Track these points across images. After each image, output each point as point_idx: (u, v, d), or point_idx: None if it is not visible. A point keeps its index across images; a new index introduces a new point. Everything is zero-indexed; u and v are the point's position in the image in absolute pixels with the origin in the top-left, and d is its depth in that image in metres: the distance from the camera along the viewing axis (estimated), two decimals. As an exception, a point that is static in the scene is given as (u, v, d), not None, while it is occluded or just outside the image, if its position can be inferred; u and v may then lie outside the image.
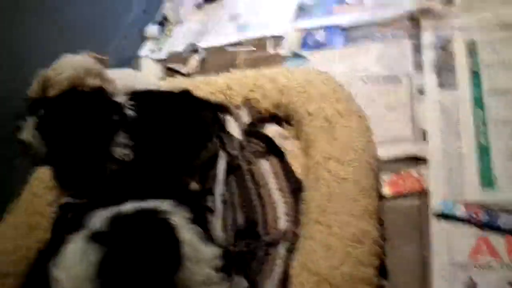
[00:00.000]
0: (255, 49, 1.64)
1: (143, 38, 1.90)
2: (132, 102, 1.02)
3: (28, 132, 0.98)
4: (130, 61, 1.78)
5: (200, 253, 0.80)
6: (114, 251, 0.73)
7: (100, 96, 1.02)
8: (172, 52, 1.78)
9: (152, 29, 1.92)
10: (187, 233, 0.80)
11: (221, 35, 1.78)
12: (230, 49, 1.68)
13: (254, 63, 1.55)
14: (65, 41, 1.52)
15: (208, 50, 1.71)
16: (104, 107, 1.00)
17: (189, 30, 1.89)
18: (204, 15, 1.95)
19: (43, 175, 1.32)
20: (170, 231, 0.78)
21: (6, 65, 1.31)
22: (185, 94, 1.14)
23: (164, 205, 0.82)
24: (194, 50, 1.71)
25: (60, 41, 1.50)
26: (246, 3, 1.90)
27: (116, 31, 1.79)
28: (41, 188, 1.29)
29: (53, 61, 1.36)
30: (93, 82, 1.07)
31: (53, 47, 1.41)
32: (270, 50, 1.60)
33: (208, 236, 0.88)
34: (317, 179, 0.97)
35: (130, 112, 1.01)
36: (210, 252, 0.82)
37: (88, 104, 1.00)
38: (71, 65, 1.07)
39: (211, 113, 1.18)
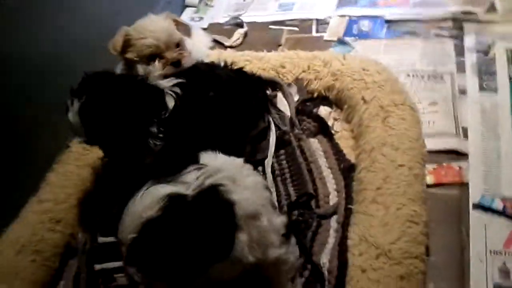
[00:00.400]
0: (298, 30, 1.69)
1: (184, 6, 1.93)
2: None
3: (72, 115, 1.01)
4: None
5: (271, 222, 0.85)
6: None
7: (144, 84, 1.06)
8: (213, 22, 1.82)
9: (192, -3, 1.95)
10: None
11: (261, 10, 1.83)
12: (273, 27, 1.73)
13: (297, 44, 1.62)
14: (113, 3, 1.55)
15: (251, 25, 1.76)
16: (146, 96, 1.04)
17: (230, 2, 1.92)
18: (245, -11, 1.99)
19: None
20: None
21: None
22: (240, 72, 1.21)
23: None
24: (237, 24, 1.76)
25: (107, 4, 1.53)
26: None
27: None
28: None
29: (102, 25, 1.43)
30: (172, 56, 1.11)
31: (99, 10, 1.48)
32: (314, 33, 1.66)
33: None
34: (372, 162, 1.06)
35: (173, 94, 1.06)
36: (279, 220, 0.87)
37: (130, 93, 1.03)
38: (155, 31, 1.12)
39: (263, 91, 1.24)
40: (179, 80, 1.09)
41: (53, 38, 1.30)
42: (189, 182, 0.78)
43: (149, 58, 1.15)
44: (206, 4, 1.95)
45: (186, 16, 1.89)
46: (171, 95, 1.06)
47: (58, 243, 1.15)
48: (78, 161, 1.29)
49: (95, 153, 1.30)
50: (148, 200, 0.77)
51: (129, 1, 1.66)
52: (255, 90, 1.27)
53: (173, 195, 0.76)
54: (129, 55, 1.15)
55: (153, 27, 1.13)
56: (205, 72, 1.19)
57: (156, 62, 1.13)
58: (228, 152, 0.92)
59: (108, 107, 1.01)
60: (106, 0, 1.53)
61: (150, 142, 1.03)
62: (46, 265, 1.11)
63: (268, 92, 1.35)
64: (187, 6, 1.94)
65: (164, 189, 0.77)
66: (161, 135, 1.03)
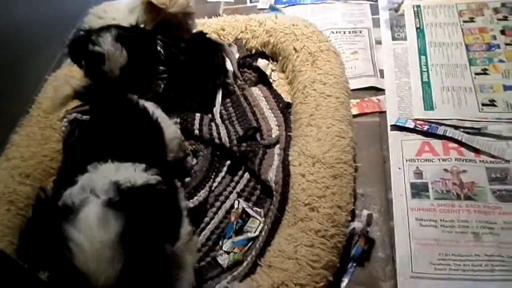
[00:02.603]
0: (233, 1, 1.87)
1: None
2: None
3: (107, 44, 1.13)
4: None
5: None
6: (132, 219, 0.73)
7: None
8: None
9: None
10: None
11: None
12: (210, 0, 1.89)
13: (234, 14, 1.77)
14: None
15: (190, 0, 1.90)
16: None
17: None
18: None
19: (50, 94, 1.48)
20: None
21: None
22: (202, 35, 1.38)
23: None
24: None
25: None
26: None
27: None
28: (49, 106, 1.44)
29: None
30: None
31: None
32: (248, 3, 1.84)
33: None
34: (305, 96, 1.24)
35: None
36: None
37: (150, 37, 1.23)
38: None
39: (221, 52, 1.41)
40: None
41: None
42: None
43: None
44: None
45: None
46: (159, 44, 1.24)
47: (29, 195, 1.24)
48: (39, 124, 1.38)
49: (54, 116, 1.41)
50: None
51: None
52: (213, 51, 1.43)
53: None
54: (173, 10, 1.31)
55: None
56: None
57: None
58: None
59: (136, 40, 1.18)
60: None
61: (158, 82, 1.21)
62: (20, 214, 1.20)
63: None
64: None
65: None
66: (164, 75, 1.21)
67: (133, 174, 0.86)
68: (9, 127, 1.39)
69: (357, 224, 1.02)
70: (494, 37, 1.48)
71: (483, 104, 1.30)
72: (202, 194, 1.16)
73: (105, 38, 1.13)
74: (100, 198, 0.76)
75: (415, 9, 1.63)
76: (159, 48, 1.27)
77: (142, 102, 1.10)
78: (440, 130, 1.22)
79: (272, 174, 1.13)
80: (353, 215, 1.06)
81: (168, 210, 0.81)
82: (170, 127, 1.15)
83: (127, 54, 1.13)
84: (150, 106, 1.11)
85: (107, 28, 1.16)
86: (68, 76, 1.51)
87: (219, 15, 1.76)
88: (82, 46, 1.16)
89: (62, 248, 0.71)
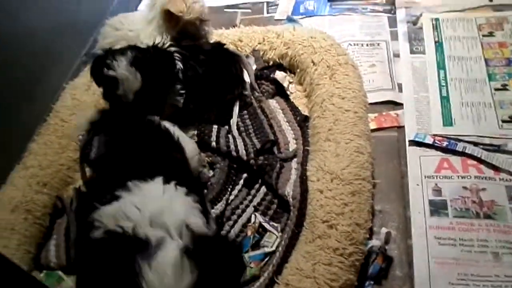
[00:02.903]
0: (251, 11, 1.87)
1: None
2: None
3: (122, 68, 1.13)
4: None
5: None
6: (204, 272, 0.73)
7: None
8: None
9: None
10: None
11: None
12: (228, 10, 1.89)
13: (251, 24, 1.77)
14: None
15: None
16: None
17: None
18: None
19: (68, 103, 1.49)
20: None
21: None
22: (220, 46, 1.39)
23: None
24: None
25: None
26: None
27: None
28: (67, 114, 1.45)
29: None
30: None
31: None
32: (265, 14, 1.84)
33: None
34: (323, 110, 1.24)
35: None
36: None
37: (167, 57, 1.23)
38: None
39: (239, 63, 1.41)
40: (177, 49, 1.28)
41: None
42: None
43: None
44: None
45: (143, 5, 2.01)
46: (178, 59, 1.25)
47: (46, 204, 1.26)
48: (57, 132, 1.39)
49: (72, 124, 1.42)
50: None
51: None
52: (231, 62, 1.43)
53: None
54: (187, 17, 1.33)
55: None
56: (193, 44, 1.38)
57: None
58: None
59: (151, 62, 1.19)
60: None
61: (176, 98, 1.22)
62: (37, 223, 1.22)
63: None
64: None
65: None
66: (182, 92, 1.23)
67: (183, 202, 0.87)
68: (27, 135, 1.40)
69: (375, 242, 1.01)
70: (514, 52, 1.47)
71: (503, 121, 1.29)
72: (219, 207, 1.16)
73: (120, 62, 1.14)
74: (176, 241, 0.77)
75: (434, 22, 1.62)
76: (177, 62, 1.26)
77: (163, 123, 1.11)
78: (459, 147, 1.21)
79: (289, 189, 1.12)
80: (371, 233, 1.05)
81: (235, 264, 0.83)
82: (189, 145, 1.16)
83: (141, 78, 1.14)
84: (170, 126, 1.11)
85: (124, 50, 1.17)
86: (86, 85, 1.51)
87: (236, 25, 1.77)
88: (99, 68, 1.17)
89: (131, 280, 0.71)
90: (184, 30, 1.39)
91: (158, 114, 1.17)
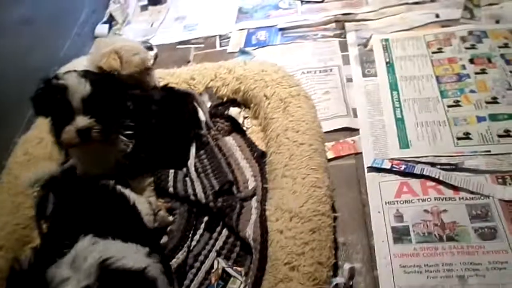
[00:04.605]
0: (203, 46, 1.86)
1: (94, 37, 2.04)
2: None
3: (71, 77, 1.10)
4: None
5: None
6: None
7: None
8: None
9: (102, 28, 2.07)
10: None
11: (169, 33, 1.98)
12: (181, 46, 1.88)
13: (204, 59, 1.78)
14: (28, 32, 1.64)
15: (160, 47, 1.90)
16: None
17: (137, 29, 2.06)
18: (149, 16, 2.14)
19: (20, 159, 1.44)
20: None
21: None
22: (170, 90, 1.37)
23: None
24: (148, 47, 1.89)
25: (26, 33, 1.62)
26: (189, 7, 2.12)
27: (71, 28, 1.92)
28: (20, 171, 1.40)
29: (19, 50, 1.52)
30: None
31: (18, 39, 1.57)
32: (218, 47, 1.84)
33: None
34: (278, 146, 1.22)
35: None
36: None
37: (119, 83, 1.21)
38: (141, 50, 1.28)
39: (192, 102, 1.39)
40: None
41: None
42: None
43: None
44: (115, 34, 2.06)
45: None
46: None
47: (2, 268, 1.20)
48: (10, 190, 1.35)
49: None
50: None
51: (40, 38, 1.74)
52: (184, 104, 1.41)
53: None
54: (126, 71, 1.28)
55: (139, 47, 1.30)
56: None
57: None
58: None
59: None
60: (18, 40, 1.61)
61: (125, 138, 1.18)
62: (-8, 290, 1.16)
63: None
64: (97, 37, 2.04)
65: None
66: (131, 133, 1.19)
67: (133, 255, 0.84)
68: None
69: (339, 280, 0.99)
70: (464, 67, 1.49)
71: (458, 138, 1.29)
72: (180, 256, 1.13)
73: (69, 74, 1.11)
74: (81, 281, 0.73)
75: (384, 43, 1.63)
76: (128, 103, 1.24)
77: (118, 187, 1.08)
78: (417, 169, 1.21)
79: (250, 231, 1.10)
80: (335, 268, 1.03)
81: None
82: (143, 205, 1.13)
83: (90, 87, 1.09)
84: (124, 190, 1.09)
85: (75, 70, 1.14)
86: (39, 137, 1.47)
87: (190, 61, 1.76)
88: (45, 91, 1.13)
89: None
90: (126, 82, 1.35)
91: (105, 139, 1.13)
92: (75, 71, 1.15)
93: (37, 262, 1.15)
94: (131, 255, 0.85)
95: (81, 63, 1.51)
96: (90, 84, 1.10)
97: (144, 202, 1.15)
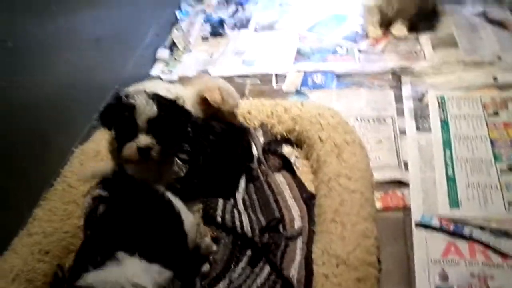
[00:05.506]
0: (260, 82, 1.91)
1: (155, 60, 2.13)
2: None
3: (140, 98, 1.17)
4: (144, 78, 2.01)
5: None
6: None
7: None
8: (183, 75, 2.01)
9: (163, 52, 2.15)
10: None
11: (227, 66, 2.04)
12: (238, 80, 1.94)
13: (259, 95, 1.82)
14: (97, 50, 1.73)
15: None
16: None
17: (197, 58, 2.13)
18: (210, 47, 2.22)
19: (75, 168, 1.50)
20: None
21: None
22: (229, 123, 1.43)
23: None
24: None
25: (95, 50, 1.71)
26: (249, 42, 2.19)
27: (135, 49, 2.01)
28: (74, 180, 1.46)
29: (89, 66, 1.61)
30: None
31: (88, 55, 1.65)
32: (274, 85, 1.88)
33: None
34: (329, 190, 1.24)
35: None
36: None
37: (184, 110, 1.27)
38: (234, 92, 1.42)
39: (247, 137, 1.45)
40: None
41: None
42: None
43: None
44: (175, 59, 2.14)
45: (157, 69, 2.08)
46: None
47: (47, 273, 1.25)
48: (63, 198, 1.40)
49: (79, 190, 1.43)
50: None
51: (107, 55, 1.82)
52: (240, 138, 1.46)
53: None
54: (226, 107, 1.39)
55: (232, 88, 1.44)
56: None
57: None
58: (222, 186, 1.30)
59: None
60: (89, 55, 1.70)
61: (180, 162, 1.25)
62: (37, 293, 1.20)
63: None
64: (158, 60, 2.13)
65: None
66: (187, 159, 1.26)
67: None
68: (34, 200, 1.40)
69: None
70: (520, 133, 1.48)
71: (510, 204, 1.28)
72: (221, 286, 1.14)
73: (139, 94, 1.18)
74: None
75: (440, 100, 1.65)
76: (189, 129, 1.29)
77: (167, 194, 1.11)
78: (466, 231, 1.20)
79: (294, 271, 1.11)
80: (377, 320, 1.03)
81: None
82: (189, 218, 1.16)
83: (157, 109, 1.16)
84: (173, 197, 1.13)
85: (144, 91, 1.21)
86: (96, 150, 1.53)
87: (245, 95, 1.81)
88: (115, 107, 1.20)
89: None
90: (214, 116, 1.42)
91: (163, 160, 1.18)
92: (144, 92, 1.22)
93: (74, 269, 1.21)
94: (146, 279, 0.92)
95: (153, 86, 1.57)
96: (157, 106, 1.16)
97: (189, 213, 1.18)
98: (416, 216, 1.27)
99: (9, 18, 1.31)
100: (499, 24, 2.02)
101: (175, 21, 2.39)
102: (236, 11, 2.45)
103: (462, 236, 1.20)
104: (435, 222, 1.24)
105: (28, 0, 1.38)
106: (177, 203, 1.17)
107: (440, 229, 1.23)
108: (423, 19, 2.08)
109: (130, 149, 1.18)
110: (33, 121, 1.42)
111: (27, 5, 1.37)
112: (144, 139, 1.17)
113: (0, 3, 1.28)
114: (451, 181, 1.36)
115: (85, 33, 1.68)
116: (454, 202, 1.30)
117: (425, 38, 1.99)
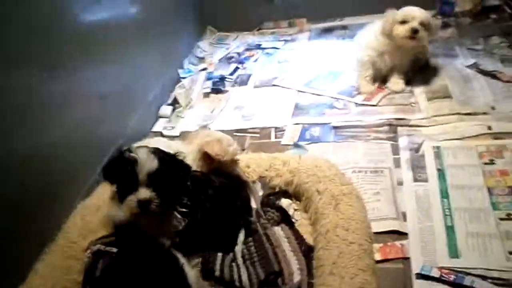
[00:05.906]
0: (259, 135, 1.95)
1: (158, 116, 2.19)
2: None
3: (142, 152, 1.23)
4: (147, 134, 2.06)
5: None
6: None
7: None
8: (185, 131, 2.06)
9: (166, 109, 2.22)
10: None
11: (227, 121, 2.10)
12: (237, 134, 1.98)
13: (259, 148, 1.86)
14: (101, 107, 1.79)
15: (218, 133, 2.00)
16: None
17: (199, 114, 2.19)
18: (211, 103, 2.28)
19: (77, 224, 1.51)
20: None
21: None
22: (229, 176, 1.46)
23: None
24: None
25: (100, 106, 1.77)
26: (248, 98, 2.26)
27: (139, 106, 2.07)
28: (75, 235, 1.47)
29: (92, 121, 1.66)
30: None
31: (93, 111, 1.71)
32: (272, 138, 1.92)
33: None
34: (327, 242, 1.25)
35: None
36: None
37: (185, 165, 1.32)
38: (233, 142, 1.48)
39: (246, 190, 1.47)
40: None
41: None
42: None
43: None
44: (177, 116, 2.20)
45: (159, 126, 2.13)
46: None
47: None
48: (64, 253, 1.41)
49: (80, 245, 1.43)
50: None
51: (111, 112, 1.88)
52: (238, 191, 1.48)
53: None
54: (226, 158, 1.45)
55: (231, 138, 1.52)
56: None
57: None
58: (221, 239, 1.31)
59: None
60: (93, 112, 1.75)
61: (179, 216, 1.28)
62: None
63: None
64: (160, 117, 2.19)
65: None
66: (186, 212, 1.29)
67: None
68: (34, 254, 1.41)
69: None
70: (516, 180, 1.49)
71: (510, 253, 1.27)
72: None
73: (141, 149, 1.23)
74: None
75: (435, 150, 1.67)
76: (188, 183, 1.32)
77: (172, 249, 1.13)
78: (467, 281, 1.19)
79: (293, 325, 1.10)
80: None
81: None
82: (191, 271, 1.17)
83: (158, 163, 1.20)
84: (176, 252, 1.15)
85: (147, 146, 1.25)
86: (97, 205, 1.55)
87: (245, 149, 1.84)
88: (117, 161, 1.24)
89: None
90: (217, 168, 1.45)
91: (162, 213, 1.21)
92: (146, 147, 1.26)
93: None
94: None
95: (155, 143, 1.62)
96: (158, 160, 1.20)
97: (191, 271, 1.19)
98: (415, 267, 1.26)
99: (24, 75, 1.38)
100: (491, 75, 2.07)
101: (178, 79, 2.47)
102: (236, 69, 2.53)
103: (463, 286, 1.19)
104: (435, 273, 1.23)
105: (40, 58, 1.45)
106: (181, 258, 1.18)
107: (441, 280, 1.22)
108: (417, 73, 2.14)
109: (130, 202, 1.21)
110: (35, 174, 1.44)
111: (40, 63, 1.45)
112: (144, 192, 1.21)
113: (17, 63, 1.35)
114: (450, 230, 1.36)
115: (90, 91, 1.75)
116: (453, 252, 1.30)
117: (419, 91, 2.04)
